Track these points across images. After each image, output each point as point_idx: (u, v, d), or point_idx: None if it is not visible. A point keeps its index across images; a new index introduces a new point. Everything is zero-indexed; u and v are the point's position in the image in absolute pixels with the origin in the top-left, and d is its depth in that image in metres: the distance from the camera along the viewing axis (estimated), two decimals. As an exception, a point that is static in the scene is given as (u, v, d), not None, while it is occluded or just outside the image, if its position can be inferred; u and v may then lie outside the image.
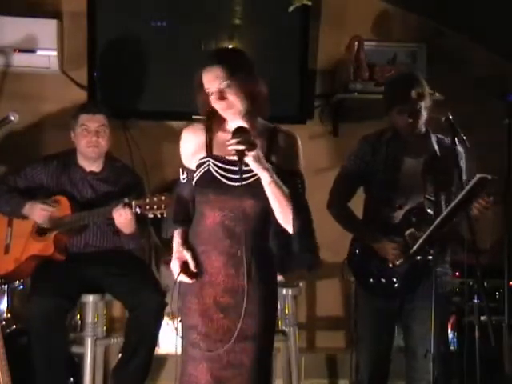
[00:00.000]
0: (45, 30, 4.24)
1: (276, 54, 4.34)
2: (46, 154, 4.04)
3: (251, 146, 2.48)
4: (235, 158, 2.54)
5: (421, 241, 3.14)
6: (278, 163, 2.60)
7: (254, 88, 2.60)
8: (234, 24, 4.43)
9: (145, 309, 3.55)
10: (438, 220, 3.07)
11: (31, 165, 3.86)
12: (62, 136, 4.09)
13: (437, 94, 4.41)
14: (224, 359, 2.60)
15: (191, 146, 2.68)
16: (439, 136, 3.37)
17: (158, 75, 4.37)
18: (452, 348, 3.95)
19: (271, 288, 2.70)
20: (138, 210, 3.43)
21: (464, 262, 3.27)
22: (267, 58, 4.25)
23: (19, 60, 4.26)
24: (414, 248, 3.17)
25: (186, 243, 2.66)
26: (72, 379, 3.72)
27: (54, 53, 4.26)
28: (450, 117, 3.17)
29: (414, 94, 3.23)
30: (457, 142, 3.28)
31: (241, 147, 2.48)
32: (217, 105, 2.59)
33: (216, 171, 2.59)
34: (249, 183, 2.57)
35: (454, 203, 3.02)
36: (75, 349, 3.74)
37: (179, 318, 2.71)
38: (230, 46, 4.32)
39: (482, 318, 3.80)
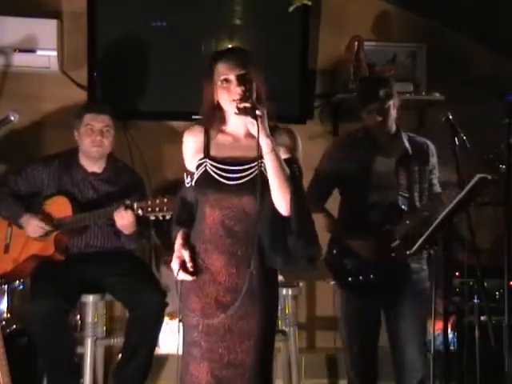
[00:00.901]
0: (45, 30, 4.24)
1: (276, 53, 4.34)
2: (46, 154, 4.04)
3: (259, 108, 2.52)
4: (235, 156, 2.59)
5: (420, 241, 3.14)
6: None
7: (262, 83, 2.64)
8: (234, 24, 4.43)
9: (145, 309, 3.55)
10: (438, 220, 3.07)
11: (32, 165, 3.85)
12: (61, 136, 4.10)
13: (437, 94, 4.42)
14: (225, 359, 2.60)
15: (191, 148, 2.70)
16: (410, 134, 3.46)
17: (158, 75, 4.37)
18: (452, 348, 3.95)
19: (272, 287, 2.71)
20: (140, 212, 3.42)
21: (464, 262, 3.28)
22: (267, 58, 4.26)
23: (19, 60, 4.26)
24: (414, 248, 3.18)
25: (187, 243, 2.67)
26: (82, 380, 3.71)
27: (54, 53, 4.26)
28: (450, 117, 3.18)
29: (382, 93, 3.30)
30: (427, 140, 3.41)
31: (249, 105, 2.51)
32: (228, 94, 2.59)
33: (213, 171, 2.61)
34: (248, 180, 2.59)
35: (453, 203, 3.03)
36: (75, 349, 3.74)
37: (180, 318, 2.72)
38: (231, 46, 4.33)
39: (482, 318, 3.80)
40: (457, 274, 3.76)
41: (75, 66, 4.42)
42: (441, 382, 3.21)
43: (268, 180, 2.56)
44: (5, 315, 3.92)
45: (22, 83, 4.39)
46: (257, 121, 2.49)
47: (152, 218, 3.39)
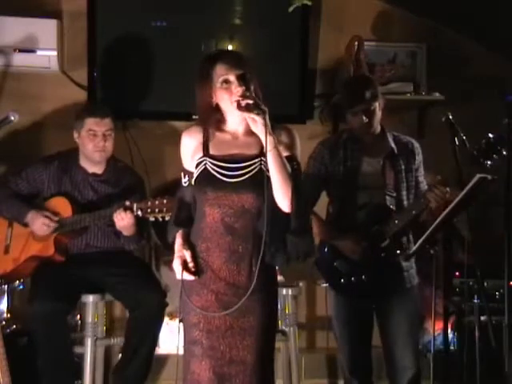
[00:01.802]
0: (45, 30, 4.24)
1: (276, 53, 4.34)
2: (46, 154, 4.03)
3: (262, 104, 2.54)
4: (235, 155, 2.61)
5: (420, 241, 3.15)
6: None
7: (258, 84, 2.66)
8: (234, 24, 4.43)
9: (145, 309, 3.55)
10: (438, 220, 3.08)
11: (32, 165, 3.85)
12: (62, 136, 4.10)
13: (437, 94, 4.42)
14: (226, 356, 2.61)
15: (189, 148, 2.71)
16: (395, 134, 3.47)
17: (158, 75, 4.37)
18: (452, 348, 3.95)
19: (272, 284, 2.72)
20: (139, 213, 3.42)
21: (464, 262, 3.28)
22: (267, 58, 4.26)
23: (19, 60, 4.26)
24: (414, 248, 3.19)
25: (187, 243, 2.68)
26: (80, 381, 3.71)
27: (54, 53, 4.26)
28: (450, 117, 3.18)
29: (368, 94, 3.30)
30: (412, 139, 3.44)
31: (251, 101, 2.53)
32: (229, 95, 2.59)
33: (213, 169, 2.63)
34: (247, 178, 2.60)
35: (453, 203, 3.03)
36: (75, 349, 3.74)
37: (181, 317, 2.72)
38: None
39: (482, 318, 3.80)
40: (457, 273, 3.76)
41: (75, 66, 4.42)
42: (441, 381, 3.21)
43: (269, 177, 2.57)
44: (5, 315, 3.93)
45: (22, 83, 4.38)
46: (264, 117, 2.50)
47: (151, 218, 3.38)
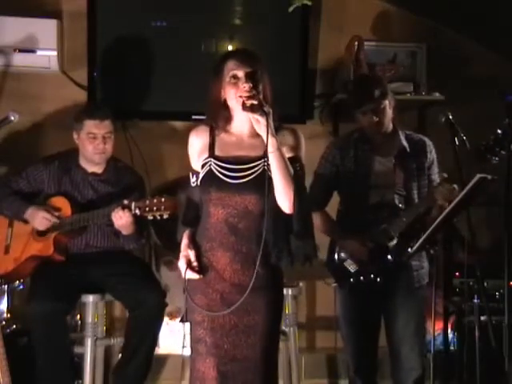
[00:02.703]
0: (45, 30, 4.24)
1: (276, 53, 4.33)
2: (46, 154, 4.03)
3: (266, 105, 2.54)
4: (237, 155, 2.63)
5: (421, 241, 3.15)
6: None
7: (268, 85, 2.67)
8: (234, 24, 4.43)
9: (145, 309, 3.55)
10: (438, 220, 3.08)
11: (33, 165, 3.85)
12: (62, 136, 4.10)
13: (437, 94, 4.42)
14: (230, 354, 2.63)
15: (196, 148, 2.73)
16: (407, 132, 3.45)
17: (158, 75, 4.37)
18: (452, 348, 3.95)
19: (278, 284, 2.74)
20: (137, 211, 3.41)
21: (464, 262, 3.28)
22: (267, 58, 4.25)
23: (19, 60, 4.26)
24: (414, 248, 3.18)
25: (193, 243, 2.70)
26: (80, 381, 3.71)
27: (54, 53, 4.26)
28: (450, 117, 3.18)
29: (376, 93, 3.29)
30: (424, 137, 3.40)
31: (256, 102, 2.53)
32: (235, 90, 2.60)
33: (217, 170, 2.65)
34: (250, 179, 2.62)
35: (453, 203, 3.03)
36: (75, 349, 3.74)
37: (184, 317, 2.73)
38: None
39: (482, 318, 3.80)
40: (457, 274, 3.76)
41: (75, 66, 4.42)
42: (441, 382, 3.21)
43: (271, 178, 2.58)
44: (5, 315, 3.93)
45: (22, 83, 4.38)
46: (266, 118, 2.51)
47: (150, 217, 3.38)
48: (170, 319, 4.07)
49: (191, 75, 4.21)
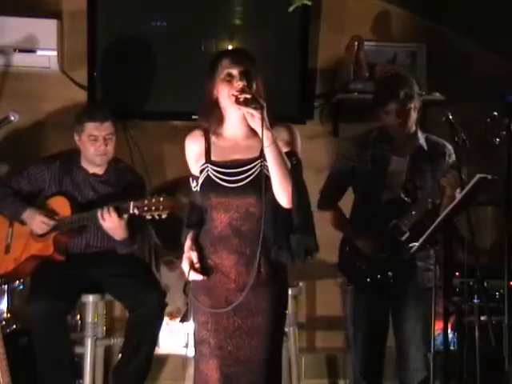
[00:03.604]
0: (45, 29, 4.24)
1: (276, 53, 4.33)
2: (47, 154, 4.04)
3: (260, 99, 2.54)
4: (235, 158, 2.63)
5: (421, 241, 3.14)
6: None
7: (262, 85, 2.67)
8: (234, 24, 4.43)
9: (145, 309, 3.55)
10: (438, 220, 3.07)
11: (34, 165, 3.85)
12: (62, 136, 4.10)
13: (437, 94, 4.42)
14: (233, 356, 2.63)
15: (193, 153, 2.74)
16: (428, 135, 3.42)
17: (158, 75, 4.37)
18: (452, 348, 3.95)
19: (281, 285, 2.74)
20: (135, 211, 3.41)
21: (464, 262, 3.27)
22: (267, 58, 4.26)
23: (19, 60, 4.26)
24: (414, 248, 3.18)
25: (196, 244, 2.72)
26: (80, 381, 3.71)
27: (54, 53, 4.26)
28: (450, 117, 3.17)
29: (402, 94, 3.25)
30: (445, 142, 3.36)
31: (249, 96, 2.54)
32: (229, 88, 2.60)
33: (215, 176, 2.65)
34: (248, 181, 2.62)
35: (454, 203, 3.03)
36: (75, 349, 3.73)
37: (188, 317, 2.74)
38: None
39: (482, 318, 3.80)
40: (457, 273, 3.76)
41: (75, 66, 4.42)
42: (441, 381, 3.21)
43: (269, 178, 2.58)
44: (5, 315, 3.93)
45: (22, 83, 4.38)
46: (259, 111, 2.51)
47: (148, 217, 3.37)
48: (170, 319, 4.07)
49: (191, 75, 4.20)
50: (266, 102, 2.62)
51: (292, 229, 2.62)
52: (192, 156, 2.74)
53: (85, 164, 3.81)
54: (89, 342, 3.67)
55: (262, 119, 2.51)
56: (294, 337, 3.94)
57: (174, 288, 4.07)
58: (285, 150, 2.64)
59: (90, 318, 3.69)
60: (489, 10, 4.19)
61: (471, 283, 3.86)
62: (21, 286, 4.02)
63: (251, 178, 2.62)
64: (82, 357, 3.69)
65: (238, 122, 2.65)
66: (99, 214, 3.48)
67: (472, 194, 3.02)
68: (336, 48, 4.53)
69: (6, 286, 3.95)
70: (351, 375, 3.65)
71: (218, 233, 2.67)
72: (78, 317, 4.08)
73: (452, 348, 3.95)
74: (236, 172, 2.64)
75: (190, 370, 2.86)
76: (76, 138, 3.78)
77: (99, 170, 3.81)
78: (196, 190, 2.72)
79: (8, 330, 3.73)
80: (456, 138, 3.18)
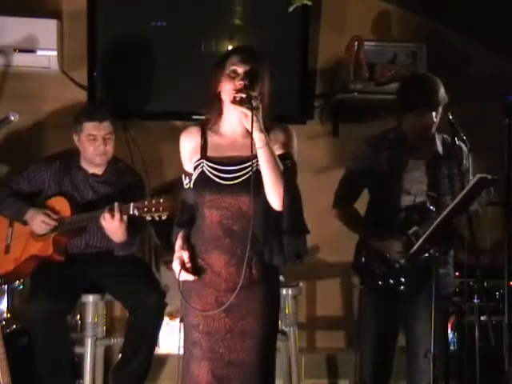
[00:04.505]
0: (45, 29, 4.24)
1: (276, 53, 4.33)
2: (47, 154, 4.04)
3: (255, 100, 2.52)
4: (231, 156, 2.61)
5: (421, 241, 3.14)
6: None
7: (268, 87, 2.65)
8: (234, 24, 4.43)
9: (145, 309, 3.55)
10: (438, 220, 3.07)
11: (33, 165, 3.85)
12: (62, 136, 4.09)
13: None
14: (225, 358, 2.61)
15: (188, 149, 2.72)
16: (444, 136, 3.36)
17: (158, 75, 4.37)
18: (452, 348, 3.95)
19: (273, 287, 2.72)
20: (135, 212, 3.40)
21: (464, 262, 3.27)
22: (267, 58, 4.25)
23: (19, 60, 4.26)
24: (414, 248, 3.17)
25: (187, 244, 2.69)
26: (81, 381, 3.71)
27: (54, 53, 4.26)
28: (450, 117, 3.17)
29: (436, 98, 3.20)
30: (460, 142, 3.28)
31: (244, 95, 2.52)
32: (231, 85, 2.59)
33: (210, 172, 2.63)
34: (243, 180, 2.60)
35: (454, 203, 3.03)
36: (75, 349, 3.74)
37: (181, 317, 2.73)
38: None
39: (482, 318, 3.80)
40: (457, 273, 3.75)
41: (75, 65, 4.42)
42: (441, 381, 3.21)
43: (260, 176, 2.57)
44: (5, 315, 3.93)
45: (22, 83, 4.38)
46: (251, 112, 2.50)
47: (148, 218, 3.37)
48: (170, 319, 4.07)
49: (191, 75, 4.21)
50: (269, 103, 2.62)
51: (283, 230, 2.59)
52: (186, 152, 2.72)
53: (84, 164, 3.81)
54: (89, 342, 3.67)
55: (253, 120, 2.50)
56: (294, 337, 3.94)
57: (174, 288, 4.04)
58: (280, 151, 2.62)
59: (90, 318, 3.69)
60: (489, 10, 4.18)
61: (471, 283, 3.86)
62: (21, 286, 4.03)
63: (247, 176, 2.60)
64: (81, 357, 3.69)
65: (237, 119, 2.63)
66: (102, 215, 3.47)
67: (472, 193, 3.02)
68: (336, 48, 4.53)
69: (6, 286, 3.95)
70: (351, 375, 3.64)
71: (209, 232, 2.64)
72: (78, 317, 4.08)
73: (452, 348, 3.95)
74: (231, 170, 2.62)
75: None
76: (75, 138, 3.78)
77: (99, 170, 3.81)
78: (188, 187, 2.69)
79: (8, 330, 3.73)
80: (456, 138, 3.18)
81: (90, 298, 3.69)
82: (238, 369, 2.61)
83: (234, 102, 2.55)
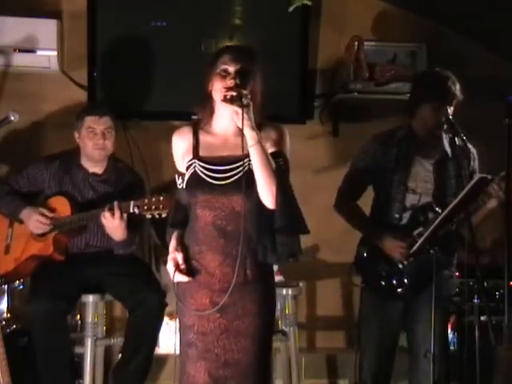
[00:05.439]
0: (45, 29, 4.24)
1: (276, 53, 4.33)
2: (46, 154, 4.04)
3: (245, 98, 2.51)
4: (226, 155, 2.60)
5: (421, 241, 3.14)
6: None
7: (260, 86, 2.64)
8: (234, 24, 4.43)
9: (145, 309, 3.55)
10: (438, 220, 3.07)
11: (33, 164, 3.85)
12: (62, 136, 4.10)
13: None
14: (221, 358, 2.60)
15: (180, 149, 2.72)
16: (451, 136, 3.33)
17: (158, 75, 4.38)
18: (452, 348, 3.95)
19: (268, 286, 2.71)
20: (136, 210, 3.41)
21: (464, 262, 3.28)
22: (267, 58, 4.25)
23: (19, 60, 4.26)
24: (414, 248, 3.17)
25: (181, 245, 2.69)
26: (81, 381, 3.71)
27: (54, 53, 4.26)
28: (450, 117, 3.17)
29: (457, 93, 3.21)
30: (469, 144, 3.29)
31: (235, 93, 2.51)
32: (222, 84, 2.58)
33: (202, 172, 2.62)
34: (236, 179, 2.59)
35: (454, 203, 3.03)
36: (75, 349, 3.73)
37: (177, 318, 2.72)
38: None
39: (482, 318, 3.80)
40: (457, 273, 3.76)
41: (75, 65, 4.42)
42: (441, 381, 3.21)
43: (253, 175, 2.56)
44: (5, 315, 3.93)
45: (22, 83, 4.39)
46: (242, 110, 2.49)
47: (148, 216, 3.37)
48: (170, 319, 4.06)
49: (191, 75, 4.20)
50: (263, 102, 2.61)
51: (276, 230, 2.58)
52: (179, 152, 2.71)
53: (84, 162, 3.81)
54: (89, 342, 3.67)
55: (243, 118, 2.49)
56: (294, 337, 3.94)
57: (173, 288, 4.06)
58: (272, 149, 2.61)
59: (90, 318, 3.69)
60: (489, 10, 4.19)
61: (471, 283, 3.86)
62: (21, 286, 4.02)
63: (239, 175, 2.58)
64: (81, 357, 3.69)
65: (229, 118, 2.61)
66: (103, 214, 3.47)
67: (472, 193, 3.02)
68: (336, 48, 4.53)
69: (6, 286, 3.95)
70: (351, 375, 3.63)
71: (203, 233, 2.63)
72: (78, 317, 4.08)
73: (452, 348, 3.95)
74: (224, 169, 2.60)
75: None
76: (76, 135, 3.78)
77: (99, 170, 3.81)
78: (182, 188, 2.68)
79: (8, 330, 3.73)
80: (456, 138, 3.18)
81: (90, 298, 3.69)
82: (235, 369, 2.60)
83: (224, 100, 2.54)
